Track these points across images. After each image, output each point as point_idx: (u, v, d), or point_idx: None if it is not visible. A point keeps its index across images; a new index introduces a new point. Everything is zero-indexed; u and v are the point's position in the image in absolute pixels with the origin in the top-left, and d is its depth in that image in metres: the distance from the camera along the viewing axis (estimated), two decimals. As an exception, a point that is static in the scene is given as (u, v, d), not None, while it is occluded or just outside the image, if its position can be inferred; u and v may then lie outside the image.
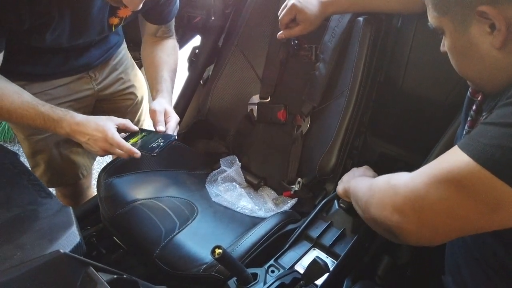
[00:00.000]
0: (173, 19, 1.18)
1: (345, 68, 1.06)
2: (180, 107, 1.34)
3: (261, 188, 1.23)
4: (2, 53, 0.89)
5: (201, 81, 1.39)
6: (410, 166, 0.93)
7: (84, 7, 0.93)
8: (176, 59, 1.19)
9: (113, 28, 1.07)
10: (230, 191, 1.14)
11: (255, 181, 1.23)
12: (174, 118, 1.03)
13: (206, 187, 1.19)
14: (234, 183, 1.17)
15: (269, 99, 1.25)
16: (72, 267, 0.51)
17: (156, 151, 0.92)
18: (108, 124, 0.94)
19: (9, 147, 2.00)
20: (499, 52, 0.55)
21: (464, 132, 0.71)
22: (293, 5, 1.02)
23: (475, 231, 0.50)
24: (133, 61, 1.33)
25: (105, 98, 1.25)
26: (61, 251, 0.51)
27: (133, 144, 0.95)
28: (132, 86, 1.30)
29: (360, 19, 1.03)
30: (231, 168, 1.22)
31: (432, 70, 1.02)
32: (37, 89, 1.06)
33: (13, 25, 0.85)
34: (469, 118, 0.69)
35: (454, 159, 0.49)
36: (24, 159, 1.15)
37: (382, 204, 0.56)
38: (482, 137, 0.48)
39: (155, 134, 0.99)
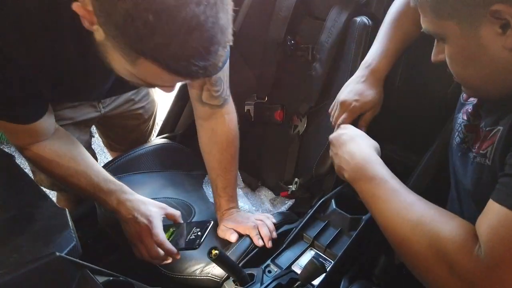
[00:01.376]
0: (225, 74, 0.95)
1: (341, 67, 1.06)
2: (177, 108, 1.34)
3: (258, 189, 1.23)
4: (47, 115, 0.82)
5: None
6: (409, 169, 0.94)
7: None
8: (233, 146, 1.02)
9: None
10: (227, 192, 1.14)
11: (252, 181, 1.23)
12: (260, 225, 0.94)
13: (204, 188, 1.19)
14: (231, 183, 1.17)
15: (266, 99, 1.25)
16: (67, 270, 0.51)
17: (197, 242, 0.84)
18: (157, 213, 0.89)
19: (6, 149, 1.99)
20: (511, 54, 0.53)
21: (459, 139, 0.69)
22: (353, 107, 0.87)
23: None
24: None
25: (110, 116, 1.19)
26: (57, 253, 0.51)
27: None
28: (142, 108, 1.25)
29: (357, 19, 1.03)
30: (228, 168, 1.21)
31: (429, 68, 1.01)
32: None
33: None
34: (464, 123, 0.69)
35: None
36: (21, 160, 1.14)
37: (434, 273, 0.54)
38: None
39: (187, 224, 0.92)
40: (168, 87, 0.69)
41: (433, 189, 0.88)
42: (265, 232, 0.92)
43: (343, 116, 0.89)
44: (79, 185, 0.88)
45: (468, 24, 0.54)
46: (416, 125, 1.09)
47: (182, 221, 0.93)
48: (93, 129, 1.30)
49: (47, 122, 0.83)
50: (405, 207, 0.62)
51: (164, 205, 0.93)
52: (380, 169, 0.70)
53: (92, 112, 1.12)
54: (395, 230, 0.62)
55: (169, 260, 0.88)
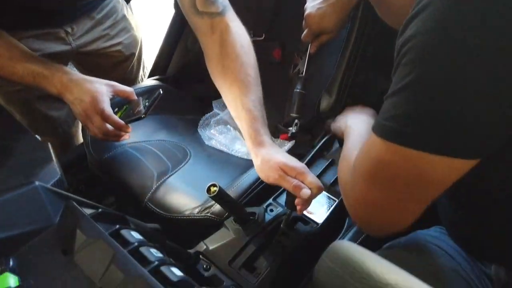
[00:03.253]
0: None
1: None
2: (168, 48, 1.25)
3: (256, 132, 1.17)
4: None
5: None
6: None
7: None
8: (251, 59, 0.86)
9: None
10: (224, 134, 1.08)
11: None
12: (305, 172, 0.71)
13: (199, 131, 1.13)
14: (228, 125, 1.11)
15: (264, 36, 1.16)
16: (50, 201, 0.46)
17: (143, 112, 0.84)
18: (103, 90, 0.84)
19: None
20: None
21: None
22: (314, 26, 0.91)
23: (419, 209, 0.47)
24: (126, 12, 1.16)
25: (85, 53, 1.10)
26: (37, 183, 0.45)
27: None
28: (120, 44, 1.15)
29: None
30: (224, 111, 1.15)
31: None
32: None
33: None
34: None
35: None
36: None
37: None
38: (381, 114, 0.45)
39: (138, 99, 0.90)
40: None
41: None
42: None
43: (304, 32, 0.94)
44: (16, 74, 0.81)
45: None
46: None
47: (136, 97, 0.89)
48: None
49: None
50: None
51: (112, 82, 0.88)
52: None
53: (61, 45, 1.02)
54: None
55: (126, 136, 0.88)
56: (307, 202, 0.69)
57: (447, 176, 0.41)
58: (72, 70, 0.85)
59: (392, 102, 0.41)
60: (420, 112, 0.39)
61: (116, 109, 0.89)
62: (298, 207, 0.69)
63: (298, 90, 0.98)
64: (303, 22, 0.94)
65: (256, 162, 0.75)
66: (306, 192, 0.66)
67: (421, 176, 0.41)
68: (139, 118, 0.84)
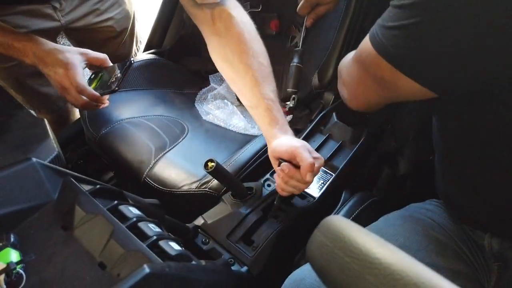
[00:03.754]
0: None
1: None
2: (163, 21, 1.22)
3: (254, 106, 1.17)
4: None
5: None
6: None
7: None
8: (261, 47, 0.80)
9: None
10: (222, 108, 1.08)
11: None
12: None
13: (196, 105, 1.12)
14: (225, 100, 1.10)
15: (260, 7, 1.14)
16: (48, 177, 0.46)
17: (115, 85, 0.84)
18: (76, 59, 0.83)
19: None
20: None
21: None
22: None
23: (383, 101, 0.59)
24: None
25: (75, 29, 1.08)
26: (34, 159, 0.46)
27: (94, 88, 0.86)
28: (111, 19, 1.12)
29: None
30: (221, 85, 1.14)
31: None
32: None
33: None
34: None
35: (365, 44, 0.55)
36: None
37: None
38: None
39: (112, 67, 0.89)
40: None
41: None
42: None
43: (301, 3, 0.92)
44: None
45: None
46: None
47: (110, 64, 0.89)
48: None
49: None
50: None
51: (85, 50, 0.87)
52: None
53: (49, 21, 1.00)
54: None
55: (104, 105, 0.88)
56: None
57: (409, 93, 0.52)
58: (44, 40, 0.83)
59: (393, 34, 0.48)
60: (413, 48, 0.46)
61: (93, 76, 0.90)
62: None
63: (295, 64, 0.96)
64: None
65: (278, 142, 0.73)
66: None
67: (389, 83, 0.52)
68: (114, 91, 0.84)
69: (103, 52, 0.90)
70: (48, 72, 0.82)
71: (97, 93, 0.84)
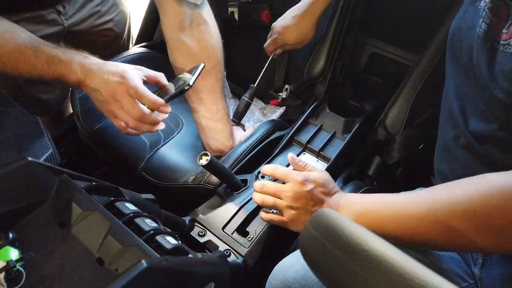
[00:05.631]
0: None
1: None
2: (153, 13, 1.22)
3: (247, 98, 1.17)
4: None
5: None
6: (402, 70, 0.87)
7: None
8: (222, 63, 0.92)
9: None
10: (215, 101, 1.08)
11: (240, 91, 1.17)
12: None
13: (189, 99, 1.12)
14: (218, 93, 1.10)
15: (252, -2, 1.14)
16: (43, 175, 0.47)
17: (187, 83, 0.73)
18: (133, 71, 0.73)
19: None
20: None
21: (485, 26, 0.56)
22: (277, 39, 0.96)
23: None
24: None
25: (76, 32, 1.06)
26: (29, 158, 0.46)
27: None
28: (110, 21, 1.11)
29: None
30: (214, 77, 1.14)
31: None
32: None
33: None
34: (488, 5, 0.57)
35: None
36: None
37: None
38: None
39: (174, 80, 0.80)
40: None
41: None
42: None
43: (268, 42, 0.99)
44: (25, 60, 0.71)
45: None
46: (412, 21, 1.00)
47: (166, 82, 0.79)
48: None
49: None
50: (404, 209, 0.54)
51: (140, 66, 0.77)
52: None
53: (53, 26, 0.98)
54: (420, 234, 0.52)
55: (161, 125, 0.76)
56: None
57: None
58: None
59: None
60: None
61: None
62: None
63: (245, 99, 0.99)
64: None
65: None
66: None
67: None
68: (185, 91, 0.72)
69: (103, 55, 0.87)
70: (96, 86, 0.72)
71: (160, 99, 0.71)
